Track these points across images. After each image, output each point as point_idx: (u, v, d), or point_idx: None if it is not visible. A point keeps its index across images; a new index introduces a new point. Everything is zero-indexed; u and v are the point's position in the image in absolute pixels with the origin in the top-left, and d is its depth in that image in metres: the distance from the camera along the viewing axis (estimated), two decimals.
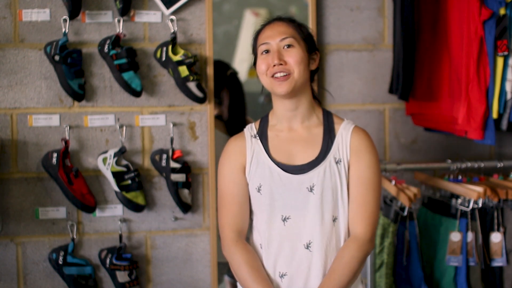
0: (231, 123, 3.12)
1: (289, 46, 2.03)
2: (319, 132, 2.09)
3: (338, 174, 2.04)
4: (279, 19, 2.10)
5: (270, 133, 2.11)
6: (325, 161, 2.04)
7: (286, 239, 2.03)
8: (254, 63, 2.12)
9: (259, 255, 2.07)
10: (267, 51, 2.04)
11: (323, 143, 2.07)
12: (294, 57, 2.02)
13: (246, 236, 2.13)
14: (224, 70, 3.06)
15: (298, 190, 2.03)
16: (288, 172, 2.04)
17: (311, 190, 2.02)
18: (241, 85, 3.20)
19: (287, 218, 2.03)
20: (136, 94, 2.74)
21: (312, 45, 2.10)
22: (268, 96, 2.15)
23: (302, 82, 2.05)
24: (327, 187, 2.02)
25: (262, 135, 2.11)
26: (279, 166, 2.05)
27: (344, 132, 2.08)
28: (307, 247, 2.03)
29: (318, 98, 2.17)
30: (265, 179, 2.05)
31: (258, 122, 2.16)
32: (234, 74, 3.18)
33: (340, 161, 2.05)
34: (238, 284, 2.13)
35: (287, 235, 2.03)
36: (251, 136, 2.12)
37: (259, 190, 2.06)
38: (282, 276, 2.04)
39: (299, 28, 2.09)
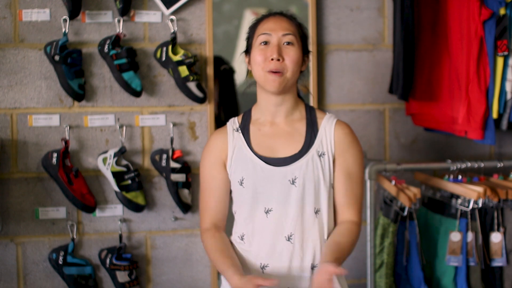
0: (222, 122, 3.06)
1: (289, 43, 2.04)
2: (301, 126, 2.10)
3: (321, 167, 2.05)
4: (281, 14, 2.11)
5: (252, 127, 2.12)
6: (308, 154, 2.06)
7: (268, 231, 2.05)
8: (246, 51, 2.13)
9: (239, 247, 2.10)
10: (266, 43, 2.05)
11: (306, 136, 2.08)
12: (292, 56, 2.03)
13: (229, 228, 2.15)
14: (218, 65, 3.02)
15: (280, 183, 2.04)
16: (270, 164, 2.05)
17: (293, 182, 2.04)
18: (234, 83, 3.15)
19: (270, 211, 2.05)
20: (136, 94, 2.74)
21: (306, 47, 2.12)
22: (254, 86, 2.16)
23: (293, 81, 2.07)
24: (309, 180, 2.04)
25: (244, 129, 2.12)
26: (261, 159, 2.06)
27: (327, 126, 2.10)
28: (288, 239, 2.04)
29: (302, 96, 2.19)
30: (247, 173, 2.06)
31: (241, 116, 2.17)
32: (228, 70, 3.13)
33: (324, 154, 2.07)
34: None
35: (269, 227, 2.05)
36: (233, 129, 2.13)
37: (241, 184, 2.07)
38: (263, 267, 2.06)
39: (300, 27, 2.10)
